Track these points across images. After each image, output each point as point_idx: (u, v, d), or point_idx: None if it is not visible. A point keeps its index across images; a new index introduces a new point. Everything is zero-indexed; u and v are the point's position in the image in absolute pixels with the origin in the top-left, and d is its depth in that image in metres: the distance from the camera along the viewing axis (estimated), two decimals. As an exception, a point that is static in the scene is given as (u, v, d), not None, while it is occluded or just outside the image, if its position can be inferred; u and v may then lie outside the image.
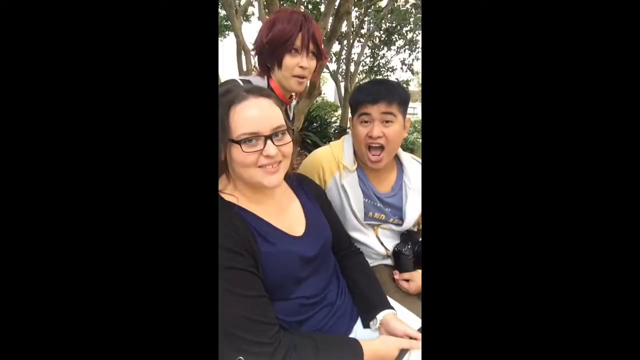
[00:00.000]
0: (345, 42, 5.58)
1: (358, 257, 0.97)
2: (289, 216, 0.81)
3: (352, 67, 5.62)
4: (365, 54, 6.01)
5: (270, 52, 0.98)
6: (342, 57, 5.77)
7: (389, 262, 1.13)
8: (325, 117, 5.62)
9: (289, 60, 0.98)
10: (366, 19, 5.60)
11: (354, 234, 1.08)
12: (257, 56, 1.04)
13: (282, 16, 0.98)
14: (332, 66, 6.05)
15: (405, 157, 1.12)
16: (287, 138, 0.72)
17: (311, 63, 1.01)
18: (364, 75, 6.17)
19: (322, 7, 5.13)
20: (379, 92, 0.96)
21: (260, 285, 0.67)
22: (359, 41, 5.82)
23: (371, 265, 1.04)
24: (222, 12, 5.09)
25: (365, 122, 0.98)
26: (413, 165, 1.12)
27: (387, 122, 0.96)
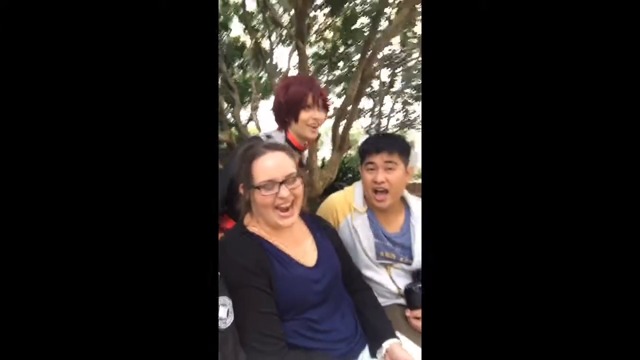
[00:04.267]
0: (377, 98, 5.96)
1: (367, 291, 1.05)
2: (302, 249, 0.94)
3: (384, 122, 5.93)
4: (396, 109, 6.34)
5: (288, 109, 1.20)
6: (374, 113, 6.12)
7: (402, 301, 1.18)
8: (358, 169, 5.83)
9: (303, 115, 1.20)
10: (396, 78, 6.01)
11: (367, 273, 1.16)
12: (275, 114, 1.27)
13: (294, 80, 1.24)
14: (365, 122, 6.42)
15: (412, 199, 1.23)
16: (298, 182, 0.89)
17: (321, 114, 1.23)
18: (397, 129, 6.43)
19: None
20: (382, 143, 1.11)
21: (272, 304, 0.80)
22: (390, 97, 6.19)
23: (384, 304, 1.11)
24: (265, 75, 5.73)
25: (371, 169, 1.12)
26: (420, 207, 1.21)
27: (389, 169, 1.10)
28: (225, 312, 0.72)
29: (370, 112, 6.29)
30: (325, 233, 1.04)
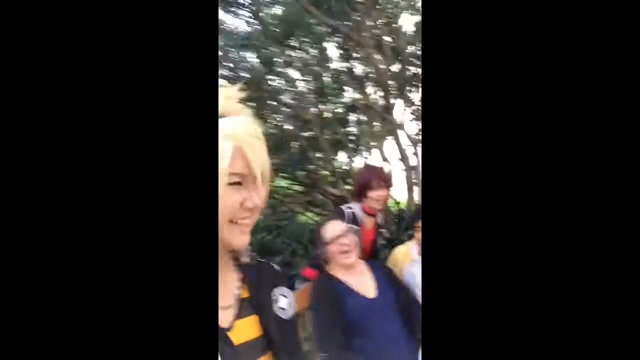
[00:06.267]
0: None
1: None
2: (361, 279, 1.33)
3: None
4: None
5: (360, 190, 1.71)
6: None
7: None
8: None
9: (371, 194, 1.65)
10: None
11: None
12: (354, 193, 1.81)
13: (365, 170, 1.93)
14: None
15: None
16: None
17: (384, 193, 1.67)
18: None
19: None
20: None
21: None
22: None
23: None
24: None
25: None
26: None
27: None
28: (286, 303, 0.70)
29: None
30: (382, 272, 1.41)
